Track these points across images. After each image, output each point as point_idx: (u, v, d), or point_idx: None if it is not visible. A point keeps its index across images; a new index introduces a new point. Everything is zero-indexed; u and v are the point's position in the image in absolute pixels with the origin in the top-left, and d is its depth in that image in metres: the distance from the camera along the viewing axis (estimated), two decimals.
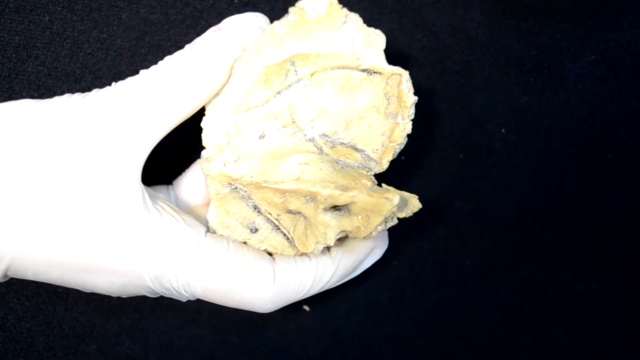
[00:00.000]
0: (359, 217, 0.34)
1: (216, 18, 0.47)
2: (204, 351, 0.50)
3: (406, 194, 0.34)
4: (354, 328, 0.52)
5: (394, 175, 0.42)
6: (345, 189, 0.34)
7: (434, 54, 0.52)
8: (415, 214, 0.35)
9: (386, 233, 0.41)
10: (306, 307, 0.51)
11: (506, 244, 0.54)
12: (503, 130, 0.53)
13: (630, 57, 0.53)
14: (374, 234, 0.34)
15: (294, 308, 0.51)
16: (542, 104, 0.53)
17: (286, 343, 0.51)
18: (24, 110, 0.33)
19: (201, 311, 0.49)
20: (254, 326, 0.51)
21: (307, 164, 0.36)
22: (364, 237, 0.35)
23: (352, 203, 0.34)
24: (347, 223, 0.35)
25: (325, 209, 0.35)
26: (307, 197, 0.35)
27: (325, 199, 0.34)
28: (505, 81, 0.53)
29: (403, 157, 0.51)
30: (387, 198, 0.33)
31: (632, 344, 0.55)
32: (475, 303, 0.53)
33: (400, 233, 0.47)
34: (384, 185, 0.35)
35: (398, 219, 0.35)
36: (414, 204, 0.35)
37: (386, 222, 0.35)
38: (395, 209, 0.33)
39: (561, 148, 0.53)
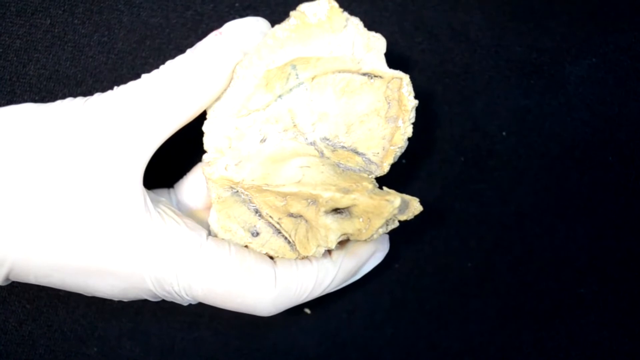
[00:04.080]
0: (360, 219, 0.35)
1: (217, 22, 0.47)
2: (205, 354, 0.50)
3: (407, 197, 0.34)
4: (355, 331, 0.52)
5: (395, 178, 0.42)
6: (346, 191, 0.34)
7: (435, 57, 0.52)
8: (416, 217, 0.36)
9: (387, 236, 0.41)
10: (307, 310, 0.51)
11: (507, 247, 0.54)
12: (504, 133, 0.53)
13: (631, 59, 0.53)
14: (375, 236, 0.35)
15: (295, 311, 0.51)
16: (542, 107, 0.53)
17: (287, 346, 0.51)
18: (26, 114, 0.33)
19: (202, 314, 0.49)
20: (255, 329, 0.51)
21: (309, 167, 0.36)
22: (365, 240, 0.35)
23: (354, 205, 0.34)
24: (348, 226, 0.35)
25: (327, 212, 0.35)
26: (309, 200, 0.36)
27: (326, 202, 0.34)
28: (505, 84, 0.53)
29: (404, 161, 0.51)
30: (388, 200, 0.33)
31: (634, 347, 0.55)
32: (476, 306, 0.53)
33: (401, 236, 0.47)
34: (385, 188, 0.35)
35: (399, 221, 0.35)
36: (415, 206, 0.35)
37: (387, 224, 0.35)
38: (396, 212, 0.34)
39: (562, 151, 0.53)
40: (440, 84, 0.52)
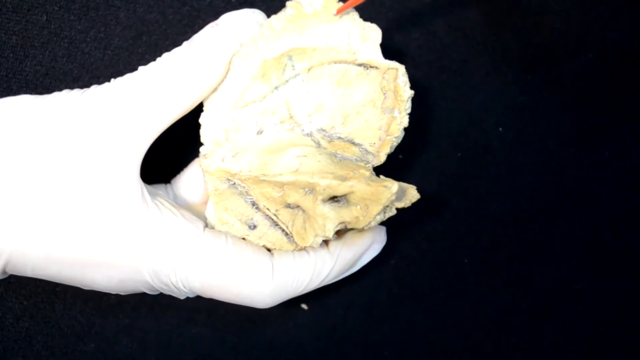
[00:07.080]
0: (358, 207, 0.35)
1: (213, 17, 0.47)
2: (202, 349, 0.50)
3: (404, 184, 0.35)
4: (352, 326, 0.52)
5: (392, 173, 0.42)
6: (343, 179, 0.34)
7: (432, 53, 0.52)
8: (413, 212, 0.36)
9: (384, 229, 0.41)
10: (304, 306, 0.51)
11: (504, 242, 0.54)
12: (500, 129, 0.53)
13: (627, 55, 0.54)
14: (372, 223, 0.35)
15: (292, 306, 0.51)
16: (539, 103, 0.53)
17: (284, 341, 0.51)
18: (23, 105, 0.33)
19: (199, 310, 0.49)
20: (252, 324, 0.51)
21: (305, 156, 0.36)
22: (363, 228, 0.35)
23: (351, 193, 0.34)
24: (345, 214, 0.35)
25: (324, 200, 0.35)
26: (306, 189, 0.35)
27: (324, 190, 0.34)
28: (502, 80, 0.53)
29: (401, 156, 0.51)
30: (385, 186, 0.33)
31: (630, 342, 0.55)
32: (473, 301, 0.53)
33: (398, 231, 0.47)
34: (381, 176, 0.35)
35: (397, 209, 0.35)
36: (412, 194, 0.35)
37: (385, 212, 0.35)
38: (393, 198, 0.34)
39: (558, 146, 0.54)
40: (437, 79, 0.52)
